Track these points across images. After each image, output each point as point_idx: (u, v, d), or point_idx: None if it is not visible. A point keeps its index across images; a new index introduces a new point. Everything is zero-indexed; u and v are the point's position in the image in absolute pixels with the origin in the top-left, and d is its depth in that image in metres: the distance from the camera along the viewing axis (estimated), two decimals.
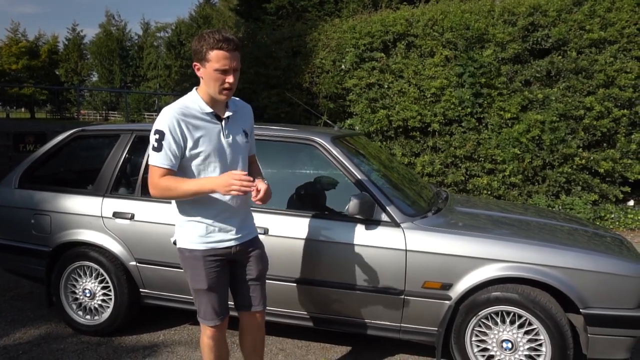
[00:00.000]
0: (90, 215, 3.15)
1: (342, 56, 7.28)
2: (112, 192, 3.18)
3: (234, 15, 19.61)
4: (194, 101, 2.08)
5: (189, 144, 2.03)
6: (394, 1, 10.40)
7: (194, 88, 2.12)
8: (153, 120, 2.98)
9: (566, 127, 6.47)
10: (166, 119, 2.02)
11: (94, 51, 49.06)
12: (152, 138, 2.02)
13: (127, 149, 3.25)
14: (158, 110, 31.56)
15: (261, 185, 2.00)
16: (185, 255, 2.14)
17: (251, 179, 1.93)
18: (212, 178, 2.01)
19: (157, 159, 2.01)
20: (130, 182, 3.28)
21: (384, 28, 7.14)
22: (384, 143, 7.06)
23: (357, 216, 2.63)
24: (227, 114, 2.11)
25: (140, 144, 3.26)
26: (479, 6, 7.03)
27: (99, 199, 3.17)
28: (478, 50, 6.74)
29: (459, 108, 6.66)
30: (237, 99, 2.27)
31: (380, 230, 2.69)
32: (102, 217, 3.13)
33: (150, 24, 54.32)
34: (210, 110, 2.07)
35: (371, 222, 2.70)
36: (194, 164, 2.06)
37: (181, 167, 2.06)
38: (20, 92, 40.21)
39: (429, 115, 6.77)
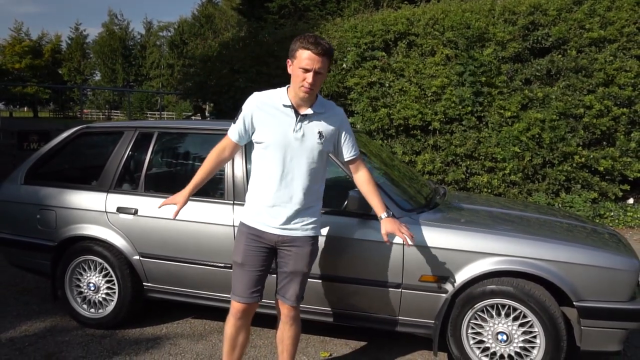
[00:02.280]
0: (95, 211, 3.21)
1: (343, 55, 7.32)
2: (116, 187, 3.24)
3: (236, 15, 19.66)
4: (279, 93, 2.24)
5: (257, 128, 2.23)
6: (395, 0, 10.43)
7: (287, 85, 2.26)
8: (155, 119, 3.04)
9: (566, 125, 6.51)
10: (248, 101, 2.27)
11: (97, 50, 49.21)
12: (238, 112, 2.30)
13: (130, 146, 3.30)
14: (160, 109, 31.64)
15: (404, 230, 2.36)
16: (239, 228, 2.36)
17: None
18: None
19: (229, 129, 2.32)
20: (134, 177, 3.33)
21: (385, 27, 7.18)
22: (385, 141, 7.10)
23: (356, 211, 2.69)
24: (307, 111, 2.19)
25: (143, 141, 3.31)
26: (479, 5, 7.07)
27: (103, 194, 3.23)
28: (478, 49, 6.78)
29: (460, 107, 6.70)
30: (331, 102, 2.35)
31: (378, 224, 2.73)
32: (106, 212, 3.19)
33: (152, 23, 54.32)
34: (289, 103, 2.19)
35: (369, 217, 2.75)
36: (257, 148, 2.26)
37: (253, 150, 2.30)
38: (24, 91, 40.31)
39: (429, 114, 6.81)
